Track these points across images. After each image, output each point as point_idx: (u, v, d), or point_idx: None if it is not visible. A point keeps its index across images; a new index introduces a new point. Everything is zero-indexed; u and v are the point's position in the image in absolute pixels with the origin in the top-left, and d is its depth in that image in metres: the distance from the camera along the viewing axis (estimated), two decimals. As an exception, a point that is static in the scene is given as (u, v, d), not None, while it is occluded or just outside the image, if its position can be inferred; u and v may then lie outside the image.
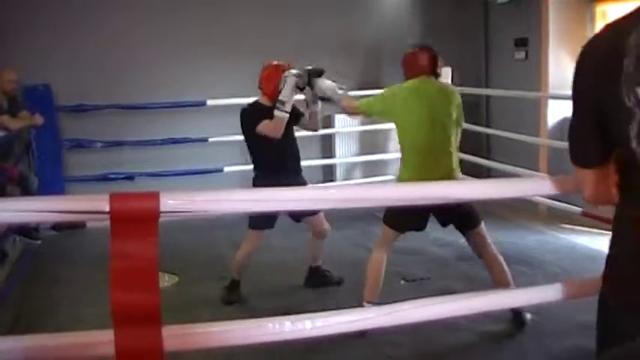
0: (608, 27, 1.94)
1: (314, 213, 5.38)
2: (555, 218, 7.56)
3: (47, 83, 8.17)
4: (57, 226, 7.91)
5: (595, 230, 7.23)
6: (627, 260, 1.98)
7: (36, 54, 8.12)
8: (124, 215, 1.93)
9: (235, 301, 5.54)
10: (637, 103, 1.80)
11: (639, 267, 1.93)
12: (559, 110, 8.25)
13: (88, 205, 1.95)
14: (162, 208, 1.96)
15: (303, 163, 5.74)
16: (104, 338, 2.09)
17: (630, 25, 1.84)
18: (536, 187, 2.97)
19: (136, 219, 1.95)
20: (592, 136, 2.01)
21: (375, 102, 5.13)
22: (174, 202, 2.00)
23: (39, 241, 7.38)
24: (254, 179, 5.46)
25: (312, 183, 7.18)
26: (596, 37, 1.97)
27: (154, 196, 1.97)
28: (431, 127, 4.85)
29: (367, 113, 5.21)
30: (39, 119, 7.50)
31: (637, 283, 1.94)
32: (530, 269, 6.22)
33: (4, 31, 8.04)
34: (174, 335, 2.15)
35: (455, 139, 5.07)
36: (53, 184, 7.71)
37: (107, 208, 1.91)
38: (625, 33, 1.83)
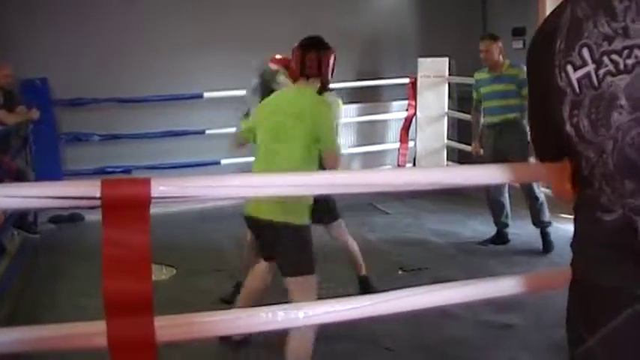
0: (547, 16, 1.90)
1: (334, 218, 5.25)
2: (555, 208, 7.54)
3: (44, 77, 8.16)
4: (55, 220, 7.91)
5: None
6: (578, 258, 1.93)
7: (33, 48, 8.10)
8: (115, 201, 1.90)
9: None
10: (568, 83, 1.74)
11: (585, 265, 1.88)
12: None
13: (79, 190, 1.92)
14: (153, 194, 1.94)
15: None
16: (98, 329, 2.06)
17: (562, 9, 1.79)
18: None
19: (127, 205, 1.92)
20: (542, 129, 1.97)
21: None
22: (166, 187, 1.97)
23: (37, 235, 7.37)
24: None
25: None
26: (539, 27, 1.93)
27: (146, 182, 1.94)
28: (272, 138, 4.03)
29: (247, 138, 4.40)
30: (35, 114, 7.50)
31: (585, 281, 1.88)
32: (531, 259, 6.22)
33: (1, 26, 8.03)
34: (167, 325, 2.12)
35: (304, 153, 3.93)
36: (50, 178, 7.66)
37: (98, 194, 1.88)
38: (558, 16, 1.79)
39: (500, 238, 6.76)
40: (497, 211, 6.73)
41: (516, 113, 6.44)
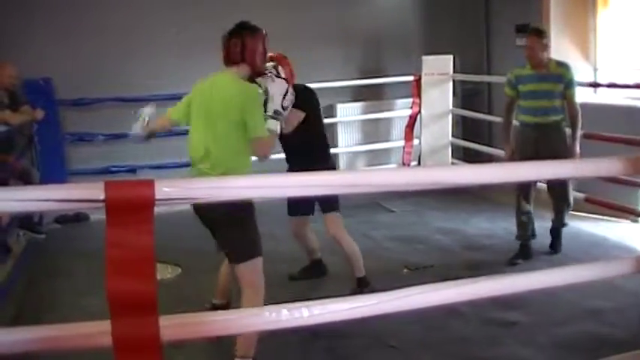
0: None
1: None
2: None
3: (48, 77, 8.16)
4: (61, 220, 7.92)
5: (598, 216, 7.22)
6: None
7: (36, 48, 8.10)
8: (119, 203, 1.91)
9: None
10: None
11: None
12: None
13: (83, 193, 1.93)
14: (157, 196, 1.95)
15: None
16: (103, 329, 2.08)
17: None
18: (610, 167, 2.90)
19: (131, 207, 1.93)
20: None
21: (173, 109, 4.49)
22: (170, 189, 1.99)
23: (43, 235, 7.38)
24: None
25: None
26: None
27: (150, 184, 1.95)
28: (204, 127, 4.14)
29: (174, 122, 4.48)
30: (40, 114, 7.50)
31: None
32: (534, 256, 6.20)
33: (4, 26, 8.03)
34: (172, 325, 2.14)
35: (236, 141, 4.07)
36: (55, 178, 7.67)
37: (102, 196, 1.89)
38: None
39: (529, 250, 6.27)
40: (527, 224, 6.28)
41: (560, 115, 6.06)
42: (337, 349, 4.53)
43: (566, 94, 6.03)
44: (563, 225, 6.40)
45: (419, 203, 8.04)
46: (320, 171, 3.68)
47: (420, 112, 9.17)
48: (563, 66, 6.08)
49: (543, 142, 5.99)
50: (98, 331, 2.11)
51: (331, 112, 9.26)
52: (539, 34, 6.05)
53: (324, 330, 4.39)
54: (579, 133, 6.07)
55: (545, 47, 6.03)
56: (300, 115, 5.13)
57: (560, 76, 6.01)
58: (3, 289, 5.71)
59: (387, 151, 9.62)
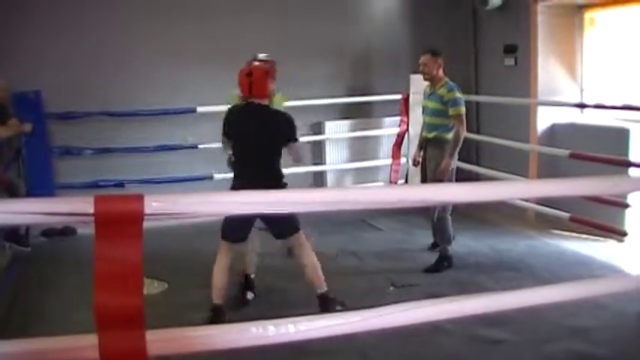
0: None
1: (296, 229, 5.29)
2: (544, 224, 7.58)
3: (37, 90, 8.15)
4: (47, 233, 7.89)
5: (584, 235, 7.25)
6: None
7: (26, 61, 8.09)
8: (108, 217, 1.92)
9: None
10: None
11: None
12: (548, 116, 8.27)
13: (72, 207, 1.94)
14: (146, 211, 1.96)
15: (295, 169, 5.77)
16: (89, 342, 2.08)
17: None
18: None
19: (120, 221, 1.94)
20: None
21: None
22: (159, 204, 2.00)
23: (29, 248, 7.34)
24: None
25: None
26: None
27: (139, 199, 1.96)
28: None
29: None
30: (28, 127, 7.48)
31: None
32: (519, 274, 6.23)
33: (-5, 38, 8.04)
34: (158, 339, 2.14)
35: None
36: (43, 191, 7.67)
37: (91, 210, 1.90)
38: None
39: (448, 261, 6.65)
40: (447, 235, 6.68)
41: (436, 132, 6.48)
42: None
43: (449, 112, 6.36)
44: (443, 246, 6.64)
45: (406, 221, 8.06)
46: None
47: (407, 130, 9.20)
48: (445, 87, 6.44)
49: (425, 154, 6.68)
50: (85, 345, 2.11)
51: (319, 129, 9.31)
52: (434, 53, 6.50)
53: (310, 347, 4.38)
54: (453, 150, 6.38)
55: (439, 66, 6.48)
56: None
57: (440, 97, 6.42)
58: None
59: (374, 168, 9.65)
